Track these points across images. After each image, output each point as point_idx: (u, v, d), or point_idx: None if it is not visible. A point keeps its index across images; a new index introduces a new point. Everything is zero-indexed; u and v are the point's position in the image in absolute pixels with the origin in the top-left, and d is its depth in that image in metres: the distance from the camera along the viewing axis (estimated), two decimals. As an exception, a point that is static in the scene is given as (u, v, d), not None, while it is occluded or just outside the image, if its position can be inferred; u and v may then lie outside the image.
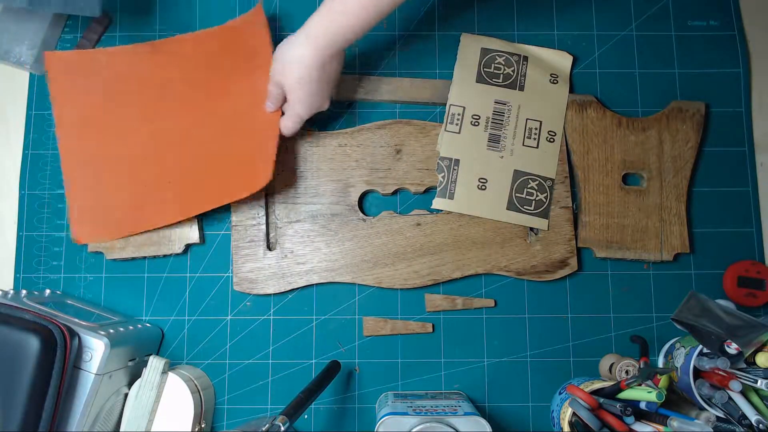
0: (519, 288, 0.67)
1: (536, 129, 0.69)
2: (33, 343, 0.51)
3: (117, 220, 0.66)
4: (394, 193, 0.69)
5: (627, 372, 0.61)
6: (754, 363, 0.56)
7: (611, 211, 0.68)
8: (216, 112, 0.67)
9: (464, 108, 0.69)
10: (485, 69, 0.70)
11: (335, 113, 0.70)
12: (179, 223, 0.66)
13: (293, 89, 0.61)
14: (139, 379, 0.59)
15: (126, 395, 0.60)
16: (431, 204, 0.68)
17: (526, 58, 0.70)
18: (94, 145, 0.67)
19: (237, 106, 0.67)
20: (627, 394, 0.55)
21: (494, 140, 0.68)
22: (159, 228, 0.66)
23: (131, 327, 0.62)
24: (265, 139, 0.64)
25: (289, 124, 0.64)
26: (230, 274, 0.67)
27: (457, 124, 0.69)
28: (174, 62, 0.69)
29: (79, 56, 0.69)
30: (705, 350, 0.57)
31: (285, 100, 0.64)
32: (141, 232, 0.66)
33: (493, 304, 0.67)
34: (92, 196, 0.66)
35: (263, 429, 0.51)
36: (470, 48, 0.71)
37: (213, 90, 0.68)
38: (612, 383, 0.57)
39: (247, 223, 0.67)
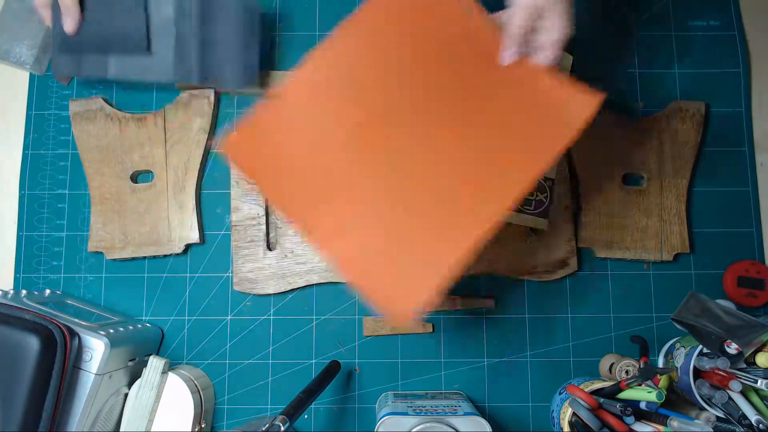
0: (519, 288, 0.67)
1: (536, 129, 0.68)
2: (33, 343, 0.51)
3: (426, 269, 0.51)
4: (394, 193, 0.69)
5: (627, 372, 0.61)
6: (754, 363, 0.56)
7: (611, 211, 0.68)
8: (458, 88, 0.54)
9: (464, 108, 0.69)
10: (485, 69, 0.70)
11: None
12: (179, 223, 0.67)
13: (552, 7, 0.51)
14: (139, 379, 0.59)
15: (126, 395, 0.60)
16: (431, 204, 0.67)
17: (526, 58, 0.70)
18: (338, 206, 0.52)
19: (476, 70, 0.54)
20: (627, 394, 0.55)
21: (494, 140, 0.68)
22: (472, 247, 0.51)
23: (131, 327, 0.62)
24: (536, 77, 0.53)
25: (551, 53, 0.53)
26: (230, 274, 0.67)
27: (457, 124, 0.68)
28: (364, 62, 0.54)
29: (252, 129, 0.53)
30: (705, 350, 0.57)
31: (529, 35, 0.53)
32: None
33: (493, 305, 0.67)
34: (376, 263, 0.52)
35: (263, 429, 0.51)
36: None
37: (438, 69, 0.55)
38: (612, 383, 0.57)
39: (247, 223, 0.67)
